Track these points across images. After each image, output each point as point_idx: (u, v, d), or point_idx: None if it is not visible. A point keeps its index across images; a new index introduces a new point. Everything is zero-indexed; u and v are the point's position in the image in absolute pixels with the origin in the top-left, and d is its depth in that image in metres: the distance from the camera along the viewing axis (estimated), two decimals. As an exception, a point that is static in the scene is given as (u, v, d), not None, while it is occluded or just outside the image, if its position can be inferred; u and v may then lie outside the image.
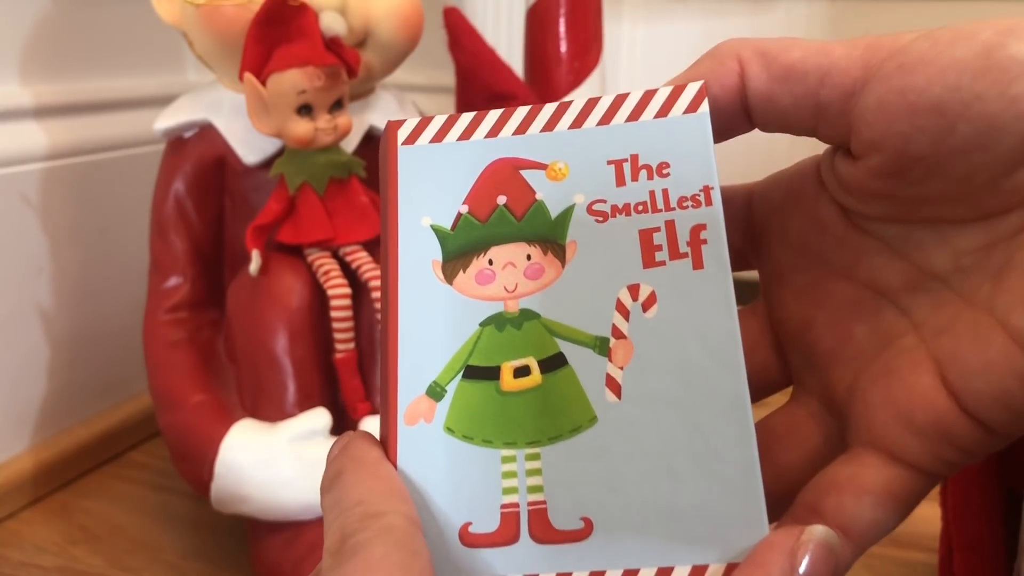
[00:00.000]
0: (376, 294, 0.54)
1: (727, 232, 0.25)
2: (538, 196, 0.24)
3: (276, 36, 0.50)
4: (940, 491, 0.45)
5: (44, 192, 0.67)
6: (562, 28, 0.66)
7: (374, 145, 0.60)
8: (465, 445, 0.22)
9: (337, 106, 0.53)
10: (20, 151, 0.65)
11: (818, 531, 0.19)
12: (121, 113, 0.74)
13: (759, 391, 0.26)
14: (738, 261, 0.26)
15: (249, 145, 0.56)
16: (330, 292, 0.54)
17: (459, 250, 0.24)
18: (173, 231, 0.58)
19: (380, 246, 0.24)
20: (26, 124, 0.66)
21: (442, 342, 0.23)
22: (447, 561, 0.21)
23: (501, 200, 0.24)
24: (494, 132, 0.24)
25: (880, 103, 0.20)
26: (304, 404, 0.54)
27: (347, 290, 0.54)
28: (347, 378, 0.55)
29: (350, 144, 0.58)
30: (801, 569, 0.19)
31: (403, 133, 0.25)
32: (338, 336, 0.54)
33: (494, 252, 0.23)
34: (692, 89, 0.23)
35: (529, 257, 0.23)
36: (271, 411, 0.54)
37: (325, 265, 0.55)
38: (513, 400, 0.22)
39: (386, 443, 0.22)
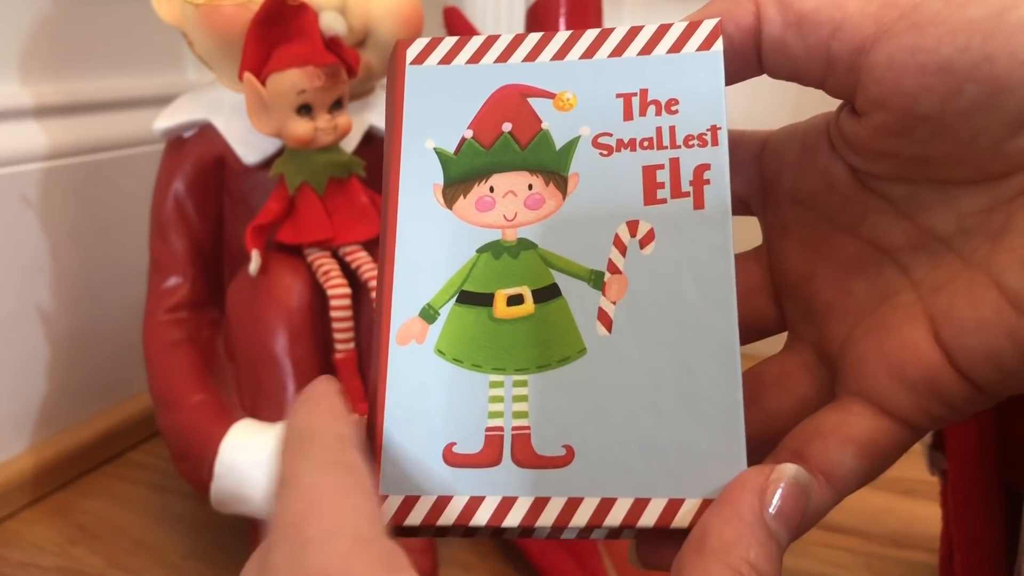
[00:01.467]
0: (376, 294, 0.54)
1: (735, 176, 0.25)
2: (544, 125, 0.24)
3: (276, 36, 0.50)
4: (940, 491, 0.45)
5: (44, 192, 0.67)
6: (562, 28, 0.66)
7: (374, 145, 0.60)
8: (455, 368, 0.22)
9: (337, 106, 0.53)
10: (20, 151, 0.65)
11: (788, 469, 0.20)
12: (121, 113, 0.74)
13: (752, 334, 0.26)
14: (740, 207, 0.26)
15: (249, 145, 0.56)
16: (330, 292, 0.54)
17: (461, 175, 0.23)
18: (173, 231, 0.58)
19: (383, 165, 0.24)
20: (26, 124, 0.66)
21: (438, 266, 0.23)
22: (430, 478, 0.21)
23: (506, 127, 0.24)
24: (504, 57, 0.24)
25: (889, 61, 0.20)
26: (304, 404, 0.54)
27: (347, 290, 0.54)
28: (347, 378, 0.55)
29: (350, 144, 0.58)
30: (772, 507, 0.19)
31: (412, 52, 0.25)
32: (338, 336, 0.54)
33: (496, 179, 0.23)
34: (707, 26, 0.23)
35: (531, 187, 0.23)
36: (271, 411, 0.54)
37: (325, 265, 0.55)
38: (505, 327, 0.22)
39: (377, 361, 0.22)
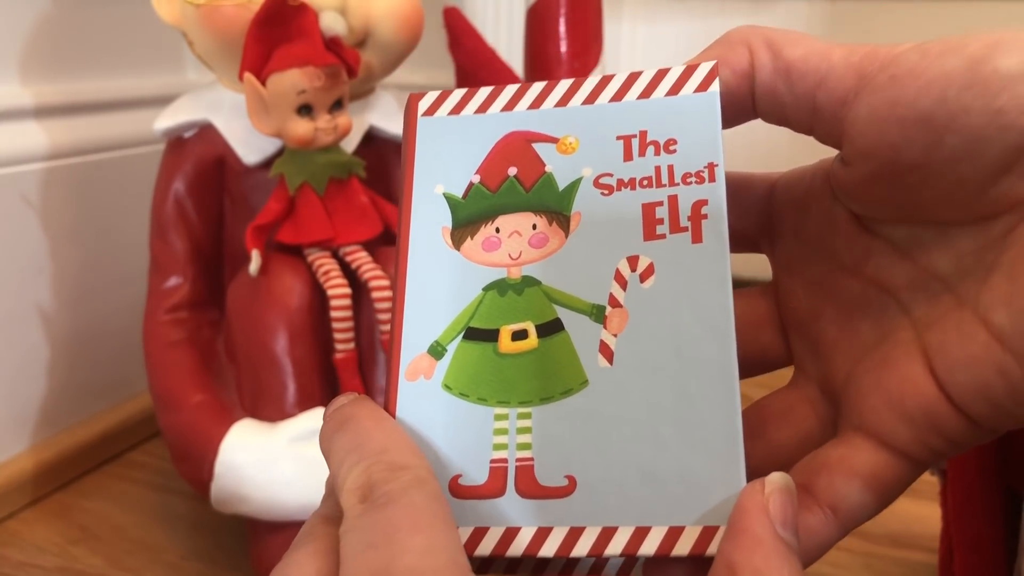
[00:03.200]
0: (376, 294, 0.54)
1: (746, 217, 0.26)
2: (547, 168, 0.24)
3: (276, 36, 0.50)
4: (940, 491, 0.45)
5: (44, 192, 0.67)
6: (562, 28, 0.66)
7: (374, 145, 0.60)
8: (461, 402, 0.23)
9: (337, 106, 0.53)
10: (20, 151, 0.65)
11: (776, 479, 0.20)
12: (121, 113, 0.74)
13: (759, 368, 0.26)
14: (751, 246, 0.27)
15: (249, 145, 0.56)
16: (330, 292, 0.54)
17: (468, 218, 0.24)
18: (173, 231, 0.58)
19: (398, 211, 0.25)
20: (26, 124, 0.66)
21: (446, 304, 0.24)
22: None
23: (512, 171, 0.25)
24: (510, 106, 0.25)
25: (871, 114, 0.21)
26: (304, 404, 0.54)
27: (347, 290, 0.54)
28: (347, 378, 0.55)
29: (350, 144, 0.58)
30: (779, 521, 0.19)
31: (423, 105, 0.26)
32: (338, 336, 0.54)
33: (501, 220, 0.24)
34: (704, 69, 0.24)
35: (535, 226, 0.24)
36: (271, 411, 0.54)
37: (325, 265, 0.55)
38: (509, 361, 0.23)
39: (386, 397, 0.23)
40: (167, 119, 0.58)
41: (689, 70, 0.24)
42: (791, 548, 0.19)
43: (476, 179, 0.25)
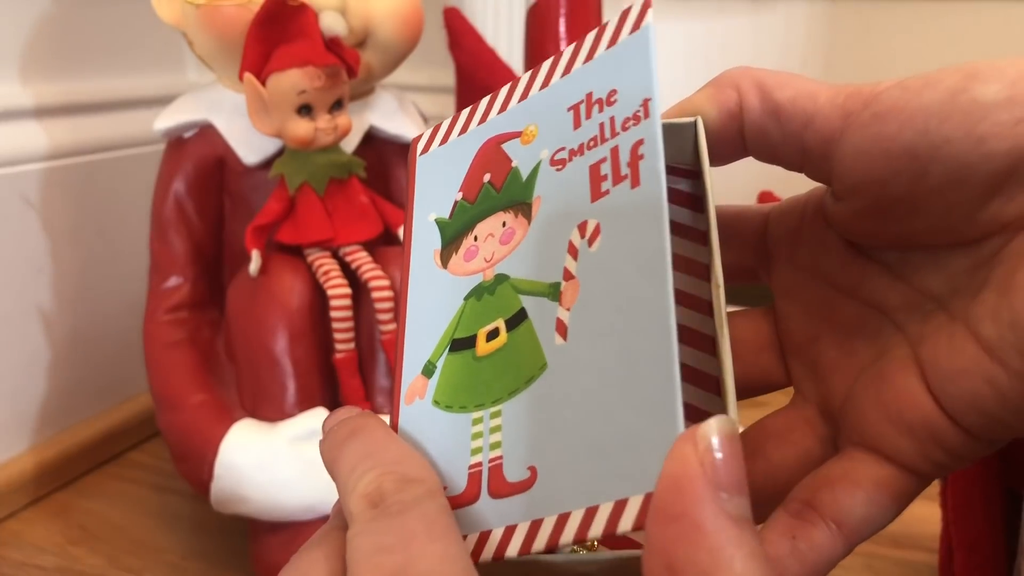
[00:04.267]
0: (376, 294, 0.54)
1: (743, 249, 0.26)
2: (513, 163, 0.24)
3: (276, 36, 0.50)
4: (940, 491, 0.45)
5: (44, 192, 0.67)
6: (562, 28, 0.66)
7: (374, 145, 0.60)
8: (445, 414, 0.23)
9: (337, 106, 0.53)
10: (20, 151, 0.65)
11: (712, 426, 0.16)
12: (121, 113, 0.74)
13: (759, 390, 0.27)
14: (749, 276, 0.27)
15: (249, 145, 0.56)
16: (330, 292, 0.54)
17: (453, 235, 0.25)
18: (173, 231, 0.58)
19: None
20: (26, 124, 0.66)
21: (436, 323, 0.24)
22: None
23: (486, 178, 0.25)
24: (484, 117, 0.26)
25: (857, 151, 0.21)
26: (304, 404, 0.54)
27: (347, 290, 0.54)
28: (347, 378, 0.55)
29: (350, 144, 0.58)
30: (725, 491, 0.16)
31: (421, 145, 0.27)
32: (338, 336, 0.54)
33: (479, 228, 0.24)
34: (636, 8, 0.23)
35: (504, 224, 0.24)
36: (271, 411, 0.54)
37: (325, 265, 0.55)
38: (485, 363, 0.23)
39: (391, 423, 0.24)
40: (167, 119, 0.58)
41: (624, 15, 0.23)
42: (742, 523, 0.16)
43: (459, 196, 0.25)
